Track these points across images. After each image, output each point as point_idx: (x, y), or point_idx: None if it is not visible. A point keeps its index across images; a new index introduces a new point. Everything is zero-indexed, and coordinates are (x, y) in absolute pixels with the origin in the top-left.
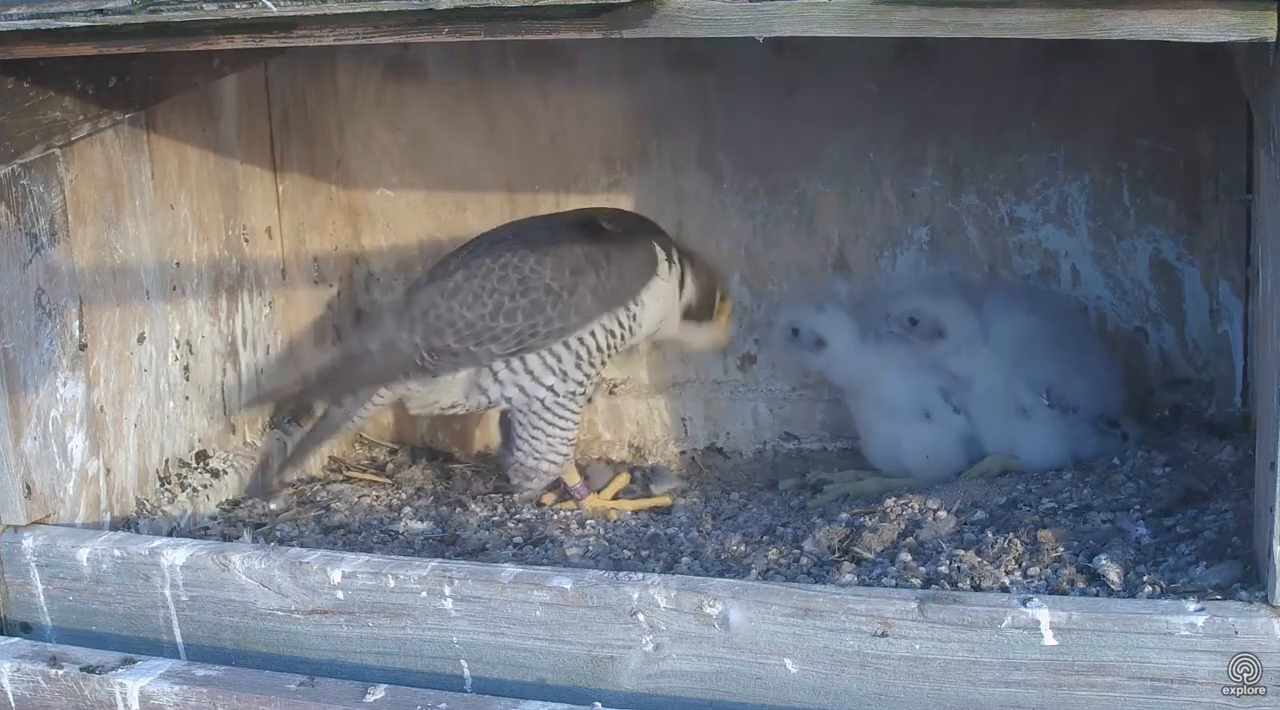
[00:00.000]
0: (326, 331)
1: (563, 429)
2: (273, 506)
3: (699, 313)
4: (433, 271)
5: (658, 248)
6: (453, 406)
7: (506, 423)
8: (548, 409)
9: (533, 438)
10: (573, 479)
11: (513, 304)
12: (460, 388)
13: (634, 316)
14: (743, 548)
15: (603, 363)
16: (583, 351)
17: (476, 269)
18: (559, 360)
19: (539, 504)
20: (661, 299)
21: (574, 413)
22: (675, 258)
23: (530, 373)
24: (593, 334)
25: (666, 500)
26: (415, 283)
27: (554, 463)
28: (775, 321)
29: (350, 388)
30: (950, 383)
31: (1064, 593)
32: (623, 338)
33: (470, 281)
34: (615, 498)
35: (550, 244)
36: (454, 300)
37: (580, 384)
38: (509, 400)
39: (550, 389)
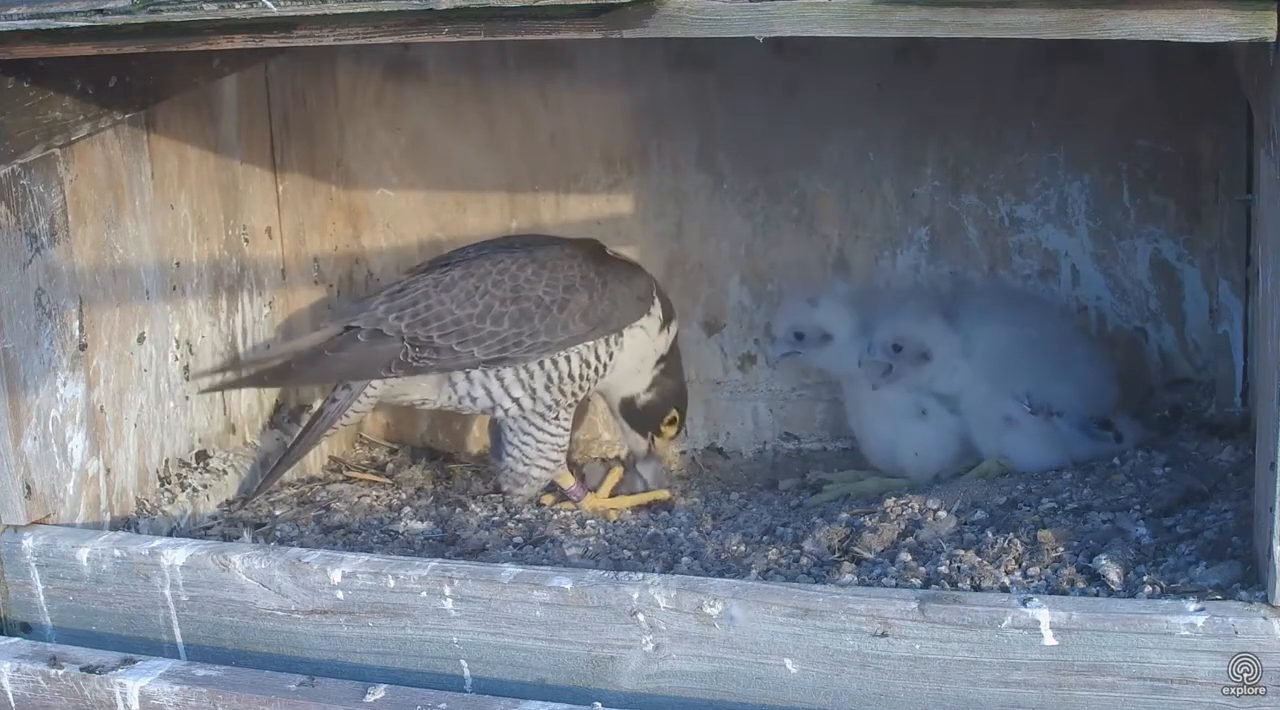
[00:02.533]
0: None
1: (552, 436)
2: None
3: (643, 418)
4: (434, 261)
5: (655, 298)
6: (424, 402)
7: (496, 429)
8: (515, 420)
9: (522, 444)
10: (566, 482)
11: (501, 309)
12: (431, 382)
13: (610, 354)
14: (743, 548)
15: (573, 393)
16: (554, 375)
17: (474, 269)
18: (530, 377)
19: (539, 504)
20: (639, 351)
21: (557, 423)
22: (667, 321)
23: (500, 380)
24: (569, 359)
25: (665, 494)
26: (414, 269)
27: (544, 468)
28: (776, 330)
29: (335, 375)
30: (941, 397)
31: (1064, 593)
32: (597, 370)
33: (466, 280)
34: (612, 494)
35: (551, 259)
36: (445, 295)
37: (549, 407)
38: (474, 401)
39: (516, 402)
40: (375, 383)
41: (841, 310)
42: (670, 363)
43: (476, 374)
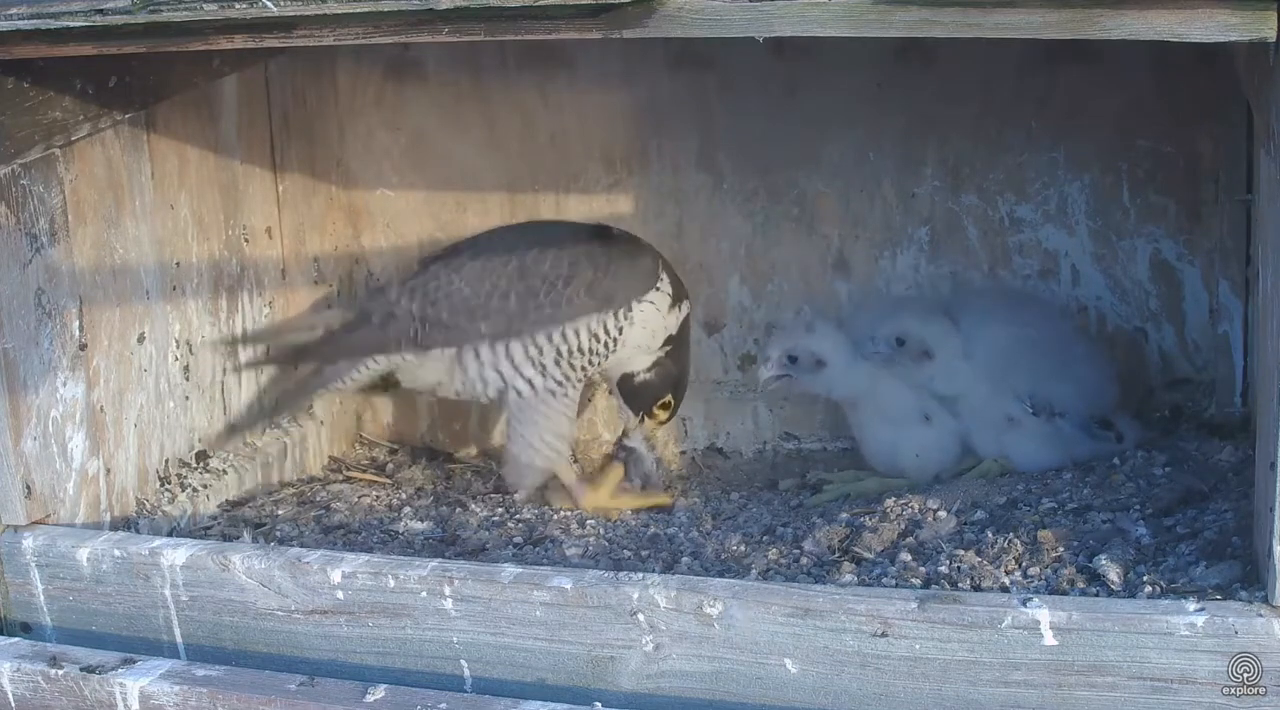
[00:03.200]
0: None
1: (554, 422)
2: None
3: (638, 396)
4: (446, 250)
5: (663, 275)
6: (438, 384)
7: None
8: (526, 401)
9: (525, 430)
10: (568, 477)
11: (508, 287)
12: (444, 364)
13: (620, 329)
14: (743, 548)
15: (583, 368)
16: (564, 349)
17: (483, 252)
18: (540, 353)
19: (545, 503)
20: (649, 325)
21: (564, 407)
22: (677, 300)
23: (511, 358)
24: (577, 332)
25: (667, 499)
26: (425, 259)
27: (547, 457)
28: (768, 354)
29: (347, 352)
30: (941, 398)
31: (1064, 593)
32: (607, 345)
33: (474, 263)
34: (614, 495)
35: (556, 242)
36: (456, 275)
37: (560, 383)
38: (487, 382)
39: (529, 381)
40: (379, 356)
41: (838, 336)
42: (677, 347)
43: (486, 354)
